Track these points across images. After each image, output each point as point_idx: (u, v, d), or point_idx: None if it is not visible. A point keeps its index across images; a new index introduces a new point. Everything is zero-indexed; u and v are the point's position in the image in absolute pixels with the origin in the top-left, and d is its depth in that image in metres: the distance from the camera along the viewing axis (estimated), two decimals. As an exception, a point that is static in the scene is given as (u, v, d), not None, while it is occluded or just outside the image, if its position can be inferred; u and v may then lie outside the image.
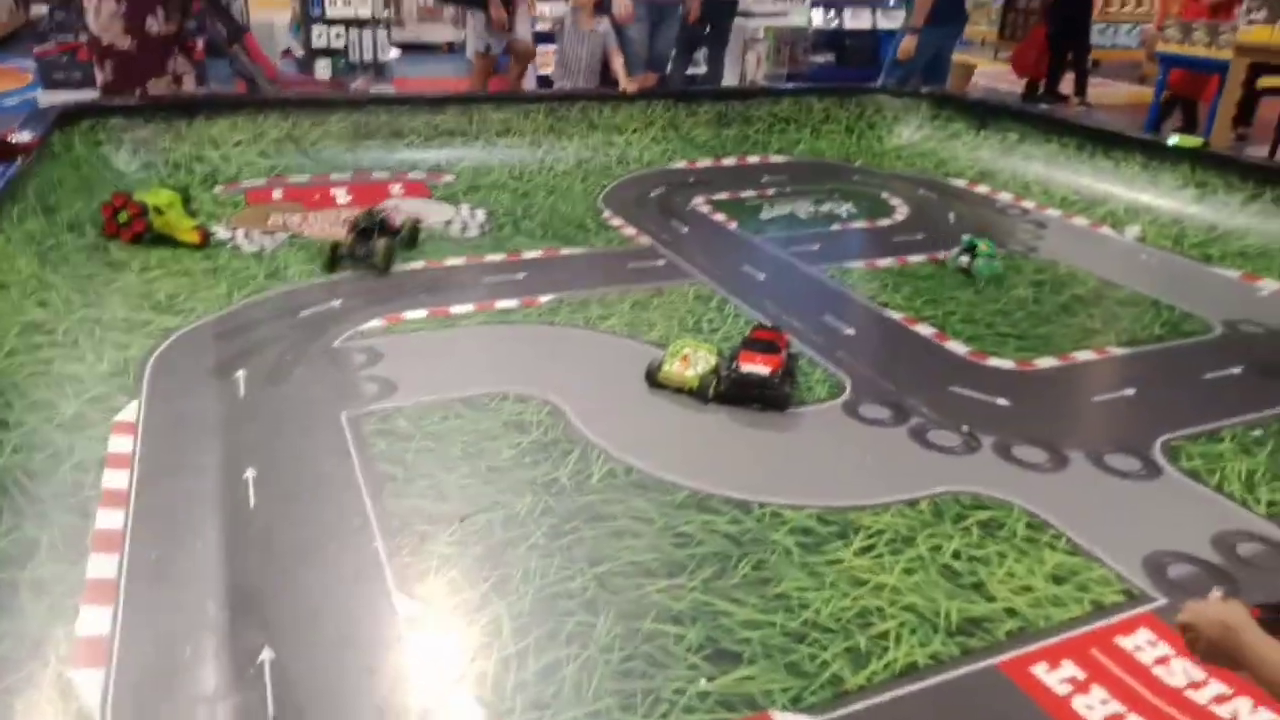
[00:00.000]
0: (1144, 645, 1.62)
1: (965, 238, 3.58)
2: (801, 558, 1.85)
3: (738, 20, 8.83)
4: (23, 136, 3.19)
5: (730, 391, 2.42)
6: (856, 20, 9.91)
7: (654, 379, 2.51)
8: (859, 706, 1.49)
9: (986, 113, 5.25)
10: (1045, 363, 2.80)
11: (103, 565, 1.68)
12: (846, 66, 9.78)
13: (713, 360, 2.51)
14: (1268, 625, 0.98)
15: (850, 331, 3.00)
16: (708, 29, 7.18)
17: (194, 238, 3.37)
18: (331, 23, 7.41)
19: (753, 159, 5.14)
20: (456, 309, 3.00)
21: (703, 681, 1.52)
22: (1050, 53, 8.87)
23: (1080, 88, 9.01)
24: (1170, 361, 2.90)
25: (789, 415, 2.42)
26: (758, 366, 2.44)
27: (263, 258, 3.36)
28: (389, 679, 1.51)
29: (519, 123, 4.77)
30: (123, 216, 3.29)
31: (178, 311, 2.82)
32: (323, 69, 7.33)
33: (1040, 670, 1.56)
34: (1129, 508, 2.08)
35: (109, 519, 1.81)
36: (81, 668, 1.45)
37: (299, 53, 7.58)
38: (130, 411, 2.20)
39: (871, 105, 5.60)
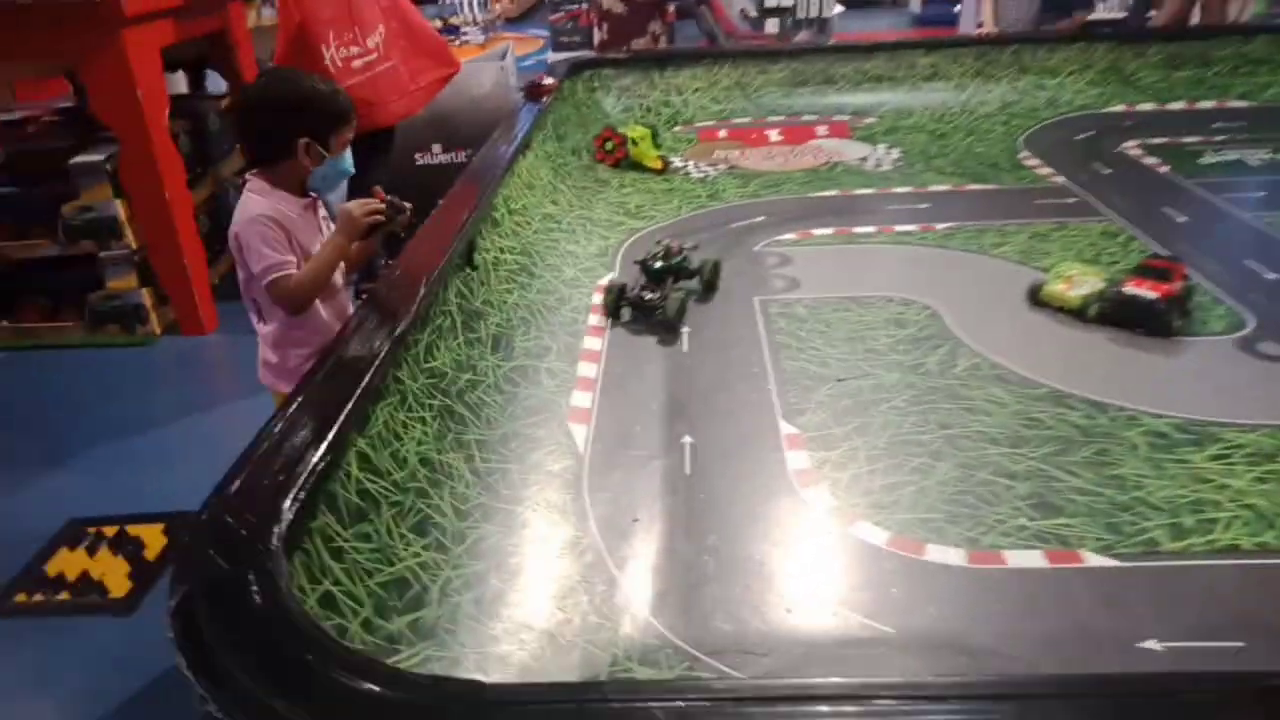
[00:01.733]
0: None
1: None
2: (1148, 454, 1.99)
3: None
4: (548, 82, 4.21)
5: (1112, 312, 2.52)
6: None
7: (1036, 297, 2.68)
8: (1167, 564, 1.67)
9: None
10: None
11: (587, 369, 2.42)
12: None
13: (1100, 284, 2.61)
14: None
15: (1271, 275, 2.84)
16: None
17: (658, 165, 4.16)
18: (784, -18, 8.05)
19: (1206, 104, 4.73)
20: (859, 229, 3.40)
21: (1024, 519, 1.81)
22: None
23: None
24: None
25: (1173, 342, 2.46)
26: (1145, 290, 2.50)
27: (706, 183, 4.05)
28: (768, 466, 2.02)
29: (945, 67, 4.93)
30: (609, 145, 4.18)
31: (642, 217, 3.60)
32: (771, 26, 8.02)
33: (1379, 575, 1.59)
34: None
35: (591, 343, 2.56)
36: (574, 424, 2.18)
37: (753, 13, 8.36)
38: (607, 280, 2.97)
39: (1379, 41, 4.78)
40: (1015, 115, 4.69)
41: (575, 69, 4.82)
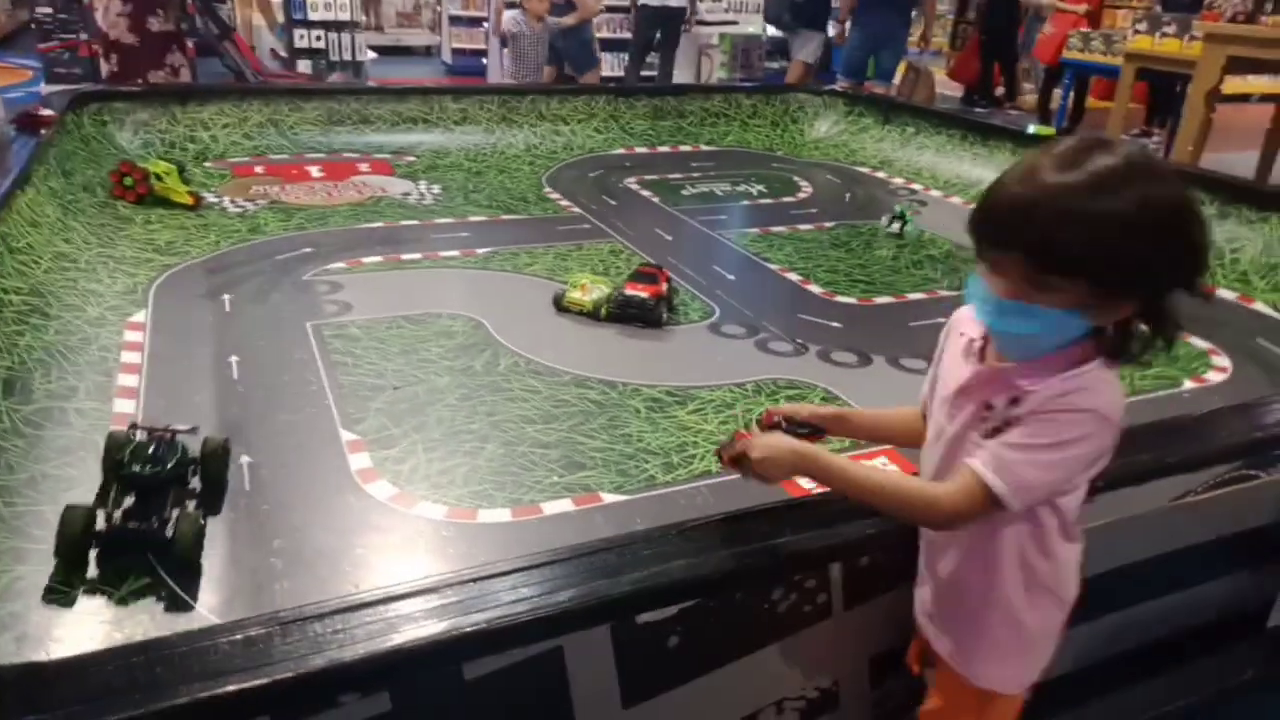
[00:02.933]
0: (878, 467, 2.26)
1: (896, 208, 4.30)
2: (647, 415, 2.48)
3: (696, 28, 9.54)
4: (46, 114, 3.81)
5: (616, 311, 3.05)
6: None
7: (559, 304, 3.14)
8: (662, 492, 2.13)
9: (890, 109, 5.94)
10: (882, 300, 3.46)
11: (125, 405, 2.30)
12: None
13: (606, 290, 3.15)
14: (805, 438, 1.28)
15: (731, 277, 3.65)
16: (659, 35, 7.92)
17: (188, 200, 3.97)
18: (312, 25, 8.05)
19: (684, 148, 5.80)
20: (407, 256, 3.63)
21: (556, 477, 2.16)
22: (980, 60, 9.61)
23: (1010, 93, 9.73)
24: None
25: (664, 331, 3.05)
26: (639, 292, 3.08)
27: (246, 217, 3.98)
28: (330, 471, 2.14)
29: (475, 112, 5.41)
30: (128, 181, 3.90)
31: (175, 253, 3.44)
32: (304, 67, 7.97)
33: (795, 473, 2.20)
34: (908, 390, 2.72)
35: (128, 380, 2.43)
36: (115, 458, 2.07)
37: (283, 53, 8.22)
38: (140, 316, 2.82)
39: (794, 102, 6.27)
40: (538, 156, 5.31)
41: (80, 101, 4.41)
